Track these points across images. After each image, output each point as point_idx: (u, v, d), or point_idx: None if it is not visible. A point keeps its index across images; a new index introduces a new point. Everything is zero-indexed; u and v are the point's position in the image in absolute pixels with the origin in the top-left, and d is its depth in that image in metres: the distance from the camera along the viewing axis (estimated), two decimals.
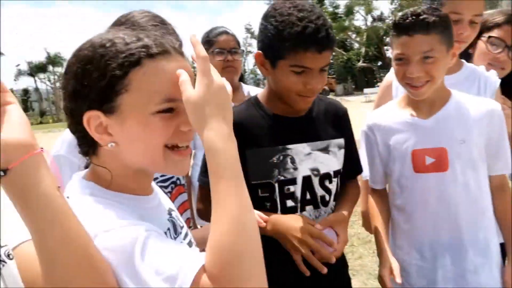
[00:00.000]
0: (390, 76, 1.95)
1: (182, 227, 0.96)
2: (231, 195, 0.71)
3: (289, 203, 1.37)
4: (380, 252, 1.49)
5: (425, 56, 1.40)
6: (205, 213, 1.46)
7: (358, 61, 45.32)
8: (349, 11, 43.68)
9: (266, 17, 1.31)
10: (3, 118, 0.62)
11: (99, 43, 0.79)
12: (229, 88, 0.80)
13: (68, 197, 0.74)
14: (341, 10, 45.18)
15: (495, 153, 1.51)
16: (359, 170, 1.59)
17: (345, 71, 44.33)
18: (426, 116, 1.52)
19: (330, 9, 44.89)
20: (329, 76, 39.10)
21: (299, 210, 1.38)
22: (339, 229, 1.32)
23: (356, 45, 47.27)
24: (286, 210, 1.37)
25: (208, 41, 2.28)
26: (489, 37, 1.90)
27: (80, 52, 0.80)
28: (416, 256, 1.53)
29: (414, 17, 1.39)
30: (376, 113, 1.66)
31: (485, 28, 1.91)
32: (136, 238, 0.68)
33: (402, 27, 1.41)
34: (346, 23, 42.76)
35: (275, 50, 1.28)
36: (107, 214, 0.74)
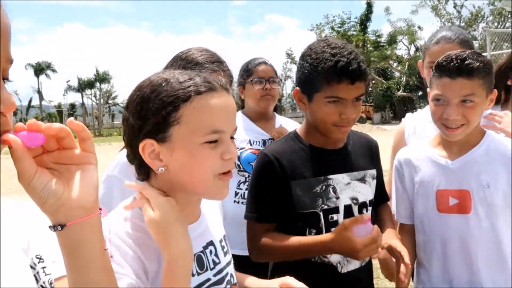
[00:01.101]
0: (404, 123, 2.02)
1: (217, 263, 1.01)
2: None
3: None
4: None
5: (464, 100, 1.41)
6: (252, 250, 1.48)
7: (398, 90, 44.62)
8: (392, 40, 43.33)
9: (303, 56, 1.44)
10: (79, 176, 0.67)
11: (156, 81, 0.92)
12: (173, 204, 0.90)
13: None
14: (384, 39, 44.95)
15: None
16: (387, 198, 1.69)
17: (384, 99, 43.66)
18: (454, 157, 1.53)
19: (373, 38, 44.76)
20: (367, 104, 38.56)
21: None
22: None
23: (397, 74, 46.64)
24: None
25: (247, 71, 2.40)
26: None
27: (140, 89, 0.93)
28: None
29: (458, 61, 1.39)
30: (408, 148, 1.70)
31: None
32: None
33: (445, 69, 1.42)
34: (388, 52, 42.41)
35: (311, 84, 1.40)
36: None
